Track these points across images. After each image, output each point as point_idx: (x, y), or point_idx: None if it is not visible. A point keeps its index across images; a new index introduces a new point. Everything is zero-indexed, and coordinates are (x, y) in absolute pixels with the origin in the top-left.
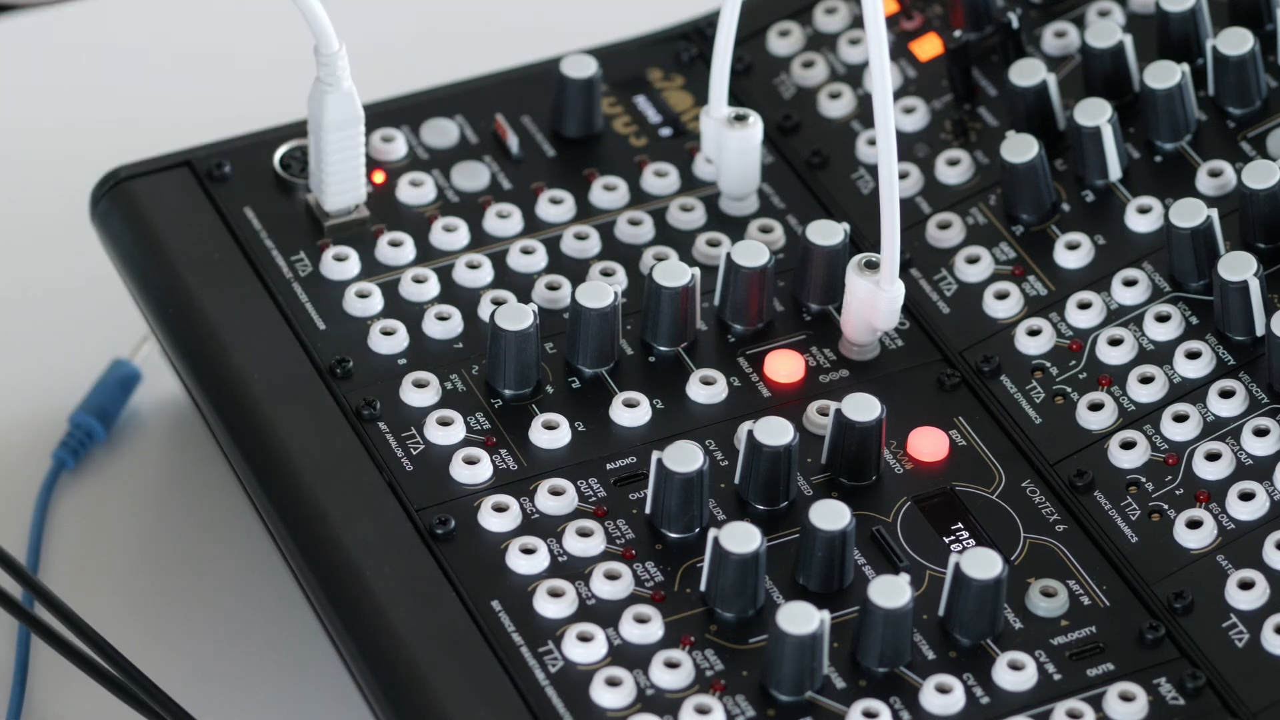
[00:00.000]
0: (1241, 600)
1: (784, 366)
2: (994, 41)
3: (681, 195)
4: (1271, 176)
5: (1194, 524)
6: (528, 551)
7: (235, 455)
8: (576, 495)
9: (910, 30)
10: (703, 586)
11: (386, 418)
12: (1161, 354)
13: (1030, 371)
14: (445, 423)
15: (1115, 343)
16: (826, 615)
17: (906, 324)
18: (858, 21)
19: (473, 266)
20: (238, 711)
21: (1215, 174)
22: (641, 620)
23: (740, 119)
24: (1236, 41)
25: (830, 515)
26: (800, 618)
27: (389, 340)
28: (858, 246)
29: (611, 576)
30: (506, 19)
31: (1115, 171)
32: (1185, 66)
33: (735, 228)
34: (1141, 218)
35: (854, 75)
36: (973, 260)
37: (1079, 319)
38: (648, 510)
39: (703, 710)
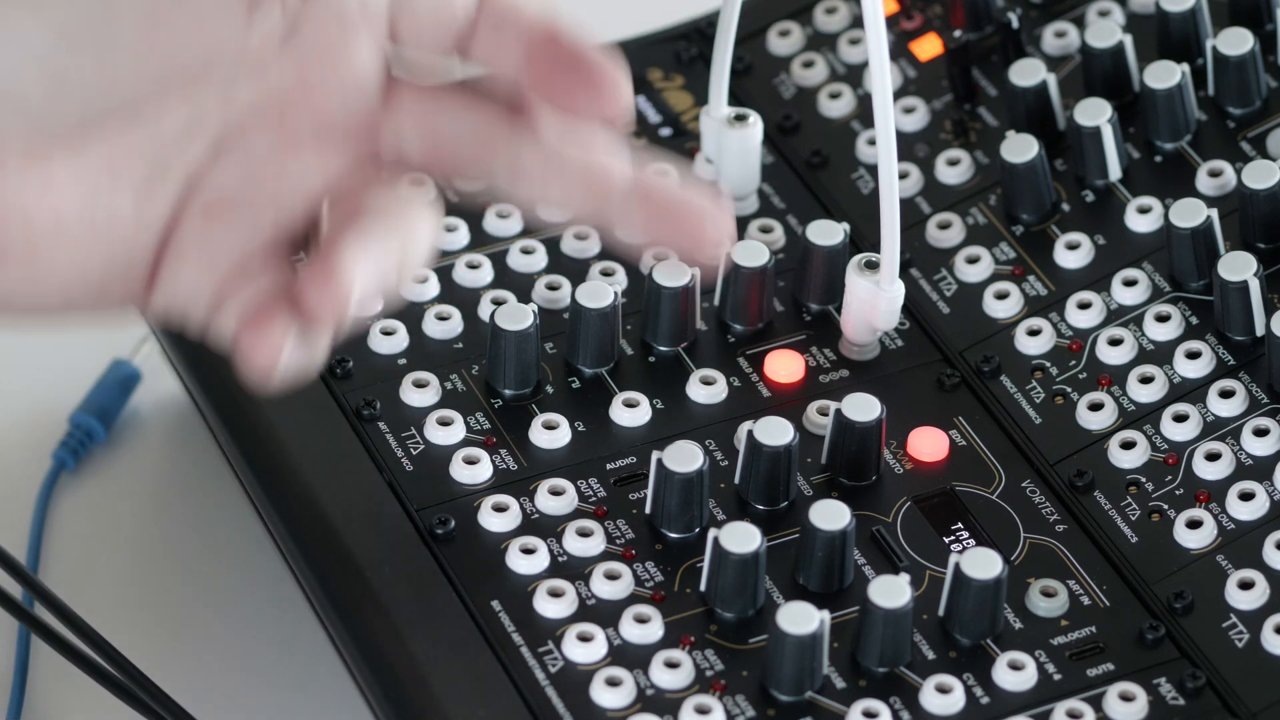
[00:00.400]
0: (1241, 600)
1: (784, 366)
2: (994, 41)
3: None
4: (1271, 176)
5: (1194, 524)
6: (528, 551)
7: (235, 455)
8: (576, 495)
9: (910, 30)
10: (703, 586)
11: (386, 418)
12: (1161, 354)
13: (1030, 371)
14: (445, 423)
15: (1115, 343)
16: (826, 615)
17: (906, 324)
18: (858, 21)
19: (473, 266)
20: (238, 711)
21: (1215, 174)
22: (641, 620)
23: (740, 119)
24: (1236, 41)
25: (830, 515)
26: (800, 618)
27: (389, 340)
28: (858, 246)
29: (611, 576)
30: None
31: (1115, 171)
32: (1185, 66)
33: (735, 228)
34: (1141, 218)
35: (854, 75)
36: (973, 260)
37: (1079, 319)
38: (648, 510)
39: (703, 710)
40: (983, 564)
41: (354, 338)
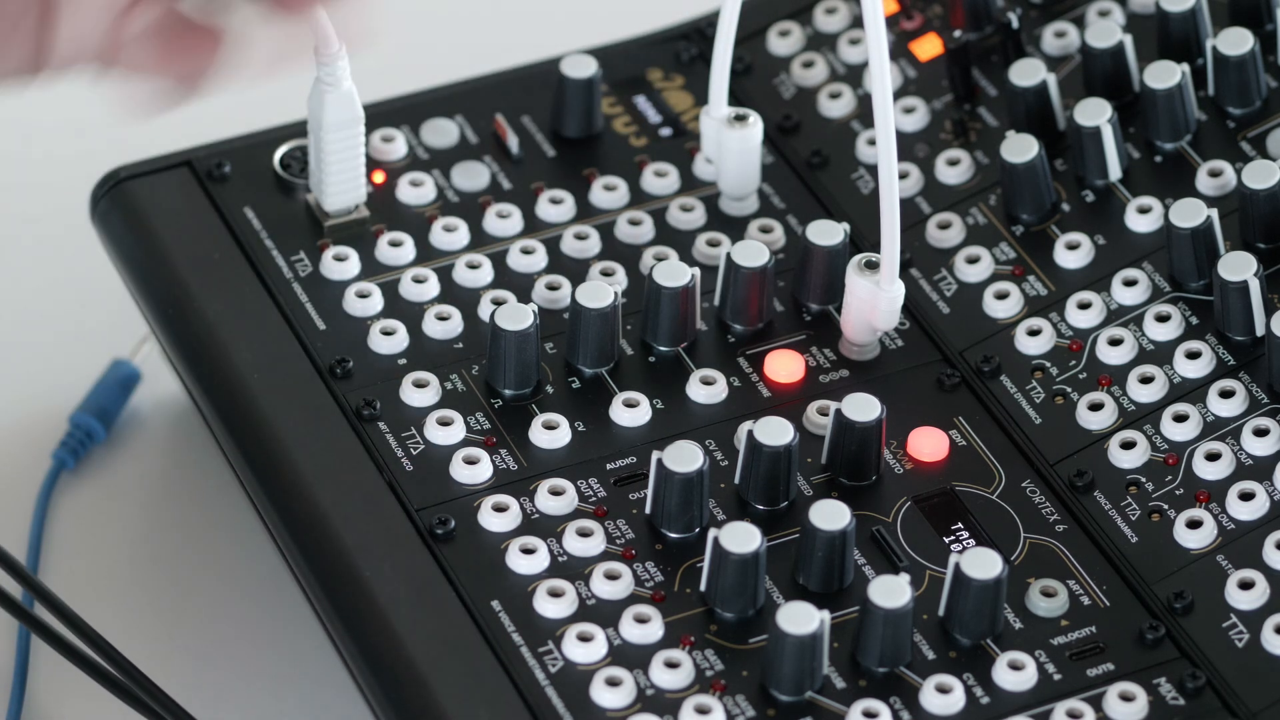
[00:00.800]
0: (1241, 600)
1: (784, 366)
2: (994, 41)
3: (681, 195)
4: (1271, 176)
5: (1194, 524)
6: (528, 551)
7: (235, 455)
8: (576, 495)
9: (910, 30)
10: (703, 586)
11: (386, 418)
12: (1161, 354)
13: (1030, 371)
14: (445, 423)
15: (1115, 343)
16: (826, 615)
17: (906, 324)
18: (858, 21)
19: (473, 266)
20: (238, 711)
21: (1215, 174)
22: (641, 620)
23: (740, 119)
24: (1236, 41)
25: (830, 515)
26: (800, 618)
27: (389, 340)
28: (858, 246)
29: (611, 576)
30: (506, 19)
31: (1115, 171)
32: (1185, 66)
33: (735, 228)
34: (1141, 218)
35: (854, 75)
36: (973, 260)
37: (1079, 319)
38: (648, 510)
39: (703, 710)
40: (983, 564)
41: (354, 338)
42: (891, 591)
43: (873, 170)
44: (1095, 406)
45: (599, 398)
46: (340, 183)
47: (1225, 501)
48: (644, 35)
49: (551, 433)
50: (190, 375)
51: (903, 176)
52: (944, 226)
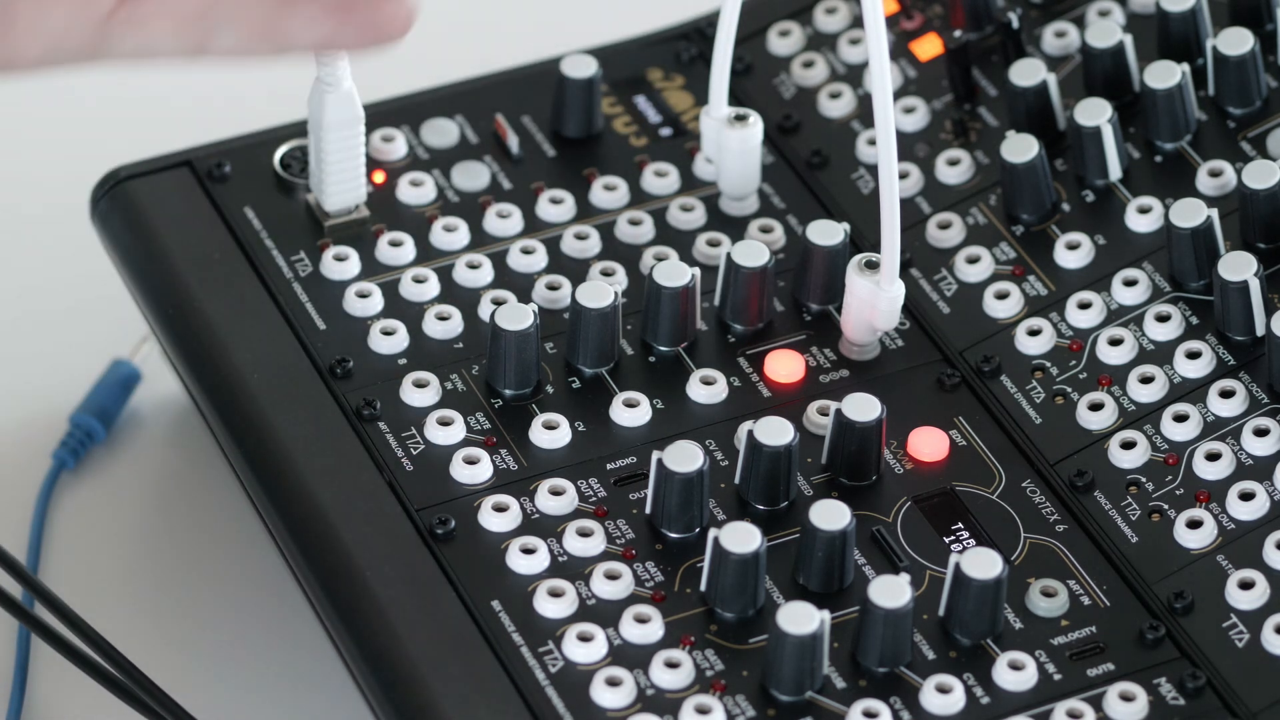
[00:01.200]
0: (1241, 600)
1: (784, 366)
2: (994, 41)
3: (681, 195)
4: (1271, 176)
5: (1194, 524)
6: (528, 551)
7: (235, 455)
8: (576, 495)
9: (910, 30)
10: (703, 586)
11: (386, 418)
12: (1161, 354)
13: (1030, 371)
14: (445, 423)
15: (1115, 343)
16: (826, 615)
17: (906, 324)
18: (858, 21)
19: (473, 266)
20: (238, 711)
21: (1215, 174)
22: (641, 620)
23: (740, 119)
24: (1236, 41)
25: (830, 515)
26: (800, 618)
27: (389, 340)
28: (858, 246)
29: (611, 576)
30: (506, 19)
31: (1115, 171)
32: (1185, 66)
33: (735, 228)
34: (1141, 218)
35: (854, 75)
36: (973, 260)
37: (1079, 319)
38: (648, 510)
39: (703, 710)
40: (983, 564)
41: (354, 338)
42: (891, 591)
43: (873, 170)
44: (1095, 406)
45: (599, 398)
46: (340, 183)
47: (1225, 501)
48: (644, 35)
49: (552, 433)
50: (190, 375)
51: (903, 176)
52: (944, 226)
